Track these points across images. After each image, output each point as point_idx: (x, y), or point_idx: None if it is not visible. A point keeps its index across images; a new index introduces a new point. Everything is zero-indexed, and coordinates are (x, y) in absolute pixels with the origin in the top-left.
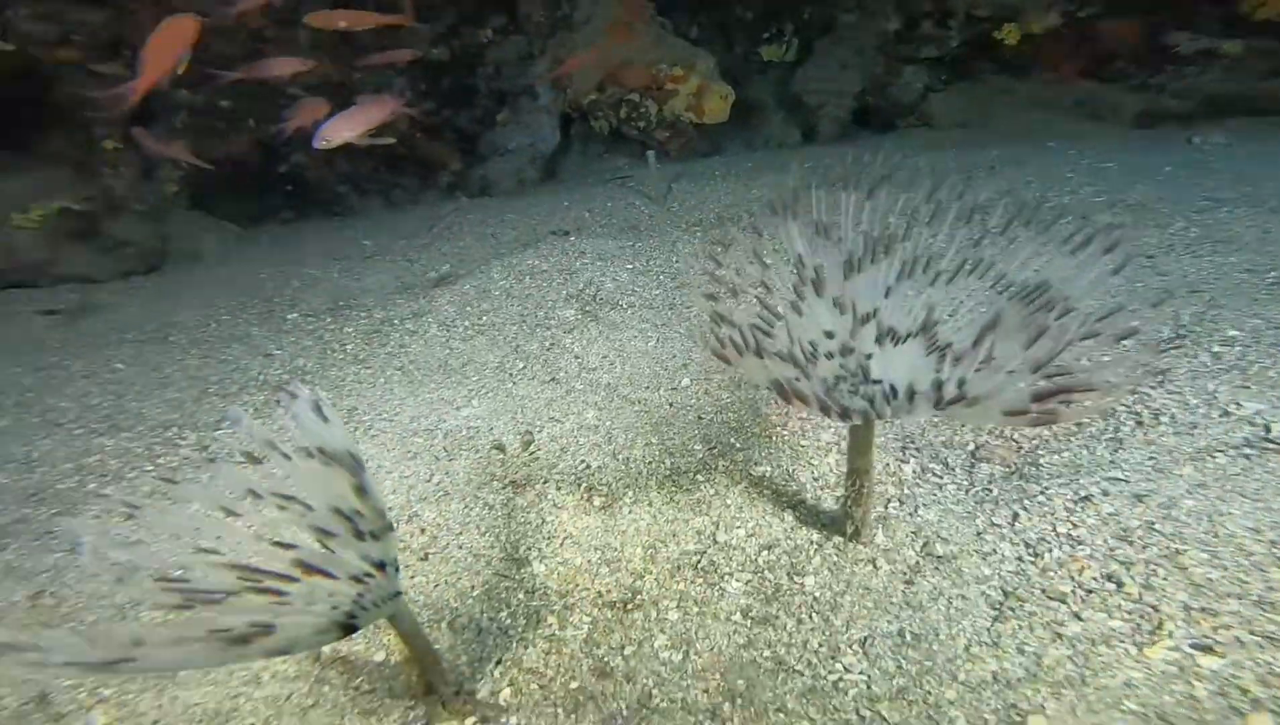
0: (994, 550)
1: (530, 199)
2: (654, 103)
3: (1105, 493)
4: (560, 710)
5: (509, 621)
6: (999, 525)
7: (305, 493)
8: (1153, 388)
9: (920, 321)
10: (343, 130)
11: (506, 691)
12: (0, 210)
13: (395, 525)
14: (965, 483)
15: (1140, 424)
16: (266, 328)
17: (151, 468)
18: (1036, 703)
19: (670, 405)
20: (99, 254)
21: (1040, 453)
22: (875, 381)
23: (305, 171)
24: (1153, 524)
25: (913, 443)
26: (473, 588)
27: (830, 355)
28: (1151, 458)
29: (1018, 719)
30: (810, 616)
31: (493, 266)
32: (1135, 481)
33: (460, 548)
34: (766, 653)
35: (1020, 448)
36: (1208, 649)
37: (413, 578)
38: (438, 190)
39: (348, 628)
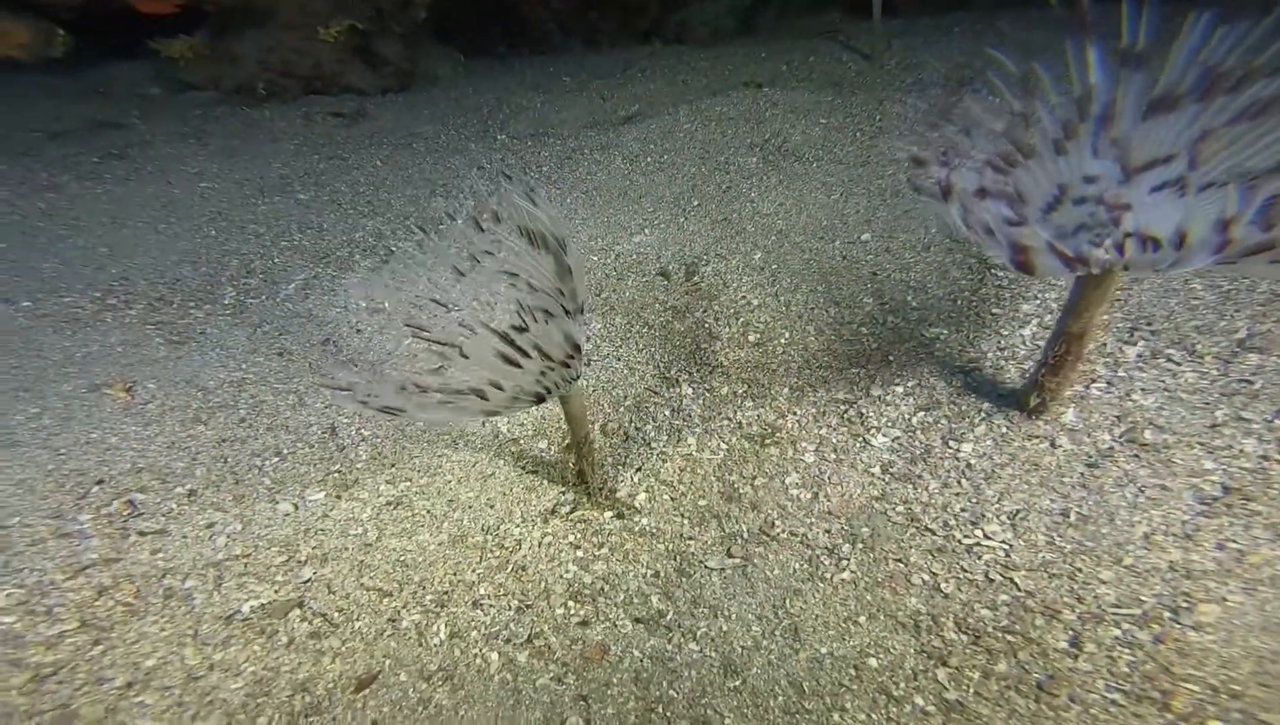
0: (1230, 446)
1: (724, 49)
2: None
3: None
4: (687, 522)
5: (653, 434)
6: (1248, 420)
7: (519, 270)
8: None
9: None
10: None
11: (642, 496)
12: (309, 26)
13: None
14: (1216, 372)
15: None
16: (481, 144)
17: (396, 247)
18: (1217, 594)
19: (844, 258)
20: (369, 70)
21: None
22: (1126, 232)
23: (520, 8)
24: None
25: (1149, 324)
26: (625, 397)
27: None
28: None
29: (1184, 606)
30: (959, 482)
31: (680, 109)
32: None
33: (619, 360)
34: (900, 508)
35: None
36: None
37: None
38: (635, 34)
39: (539, 398)
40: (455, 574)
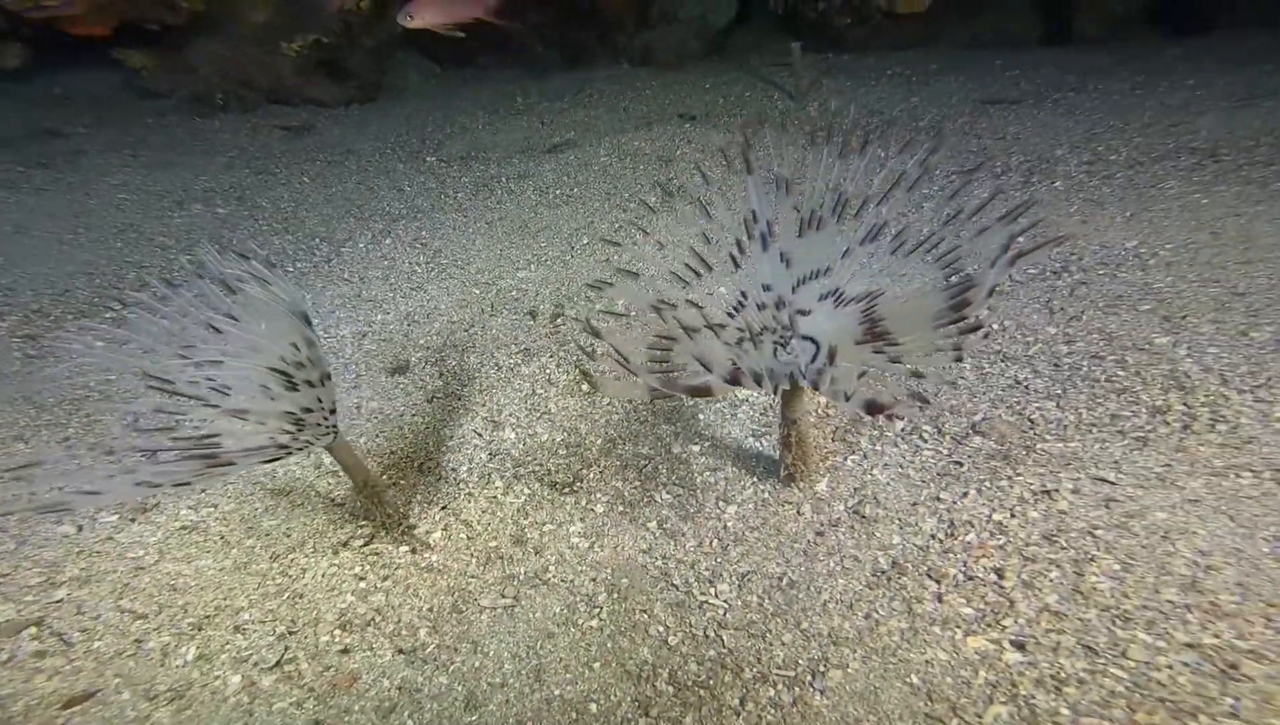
0: (916, 523)
1: (681, 75)
2: None
3: (1076, 491)
4: (474, 561)
5: (466, 475)
6: (941, 500)
7: (263, 342)
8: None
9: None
10: (429, 14)
11: (438, 534)
12: (272, 39)
13: (410, 366)
14: (945, 452)
15: (1187, 429)
16: (407, 166)
17: (292, 269)
18: (844, 661)
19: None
20: (333, 82)
21: (1047, 438)
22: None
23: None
24: (1095, 531)
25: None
26: (451, 437)
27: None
28: (1166, 465)
29: (822, 670)
30: (713, 541)
31: (603, 142)
32: (1123, 486)
33: (459, 399)
34: (659, 562)
35: (1029, 430)
36: (1020, 646)
37: (414, 417)
38: (612, 50)
39: (284, 451)
40: (225, 599)
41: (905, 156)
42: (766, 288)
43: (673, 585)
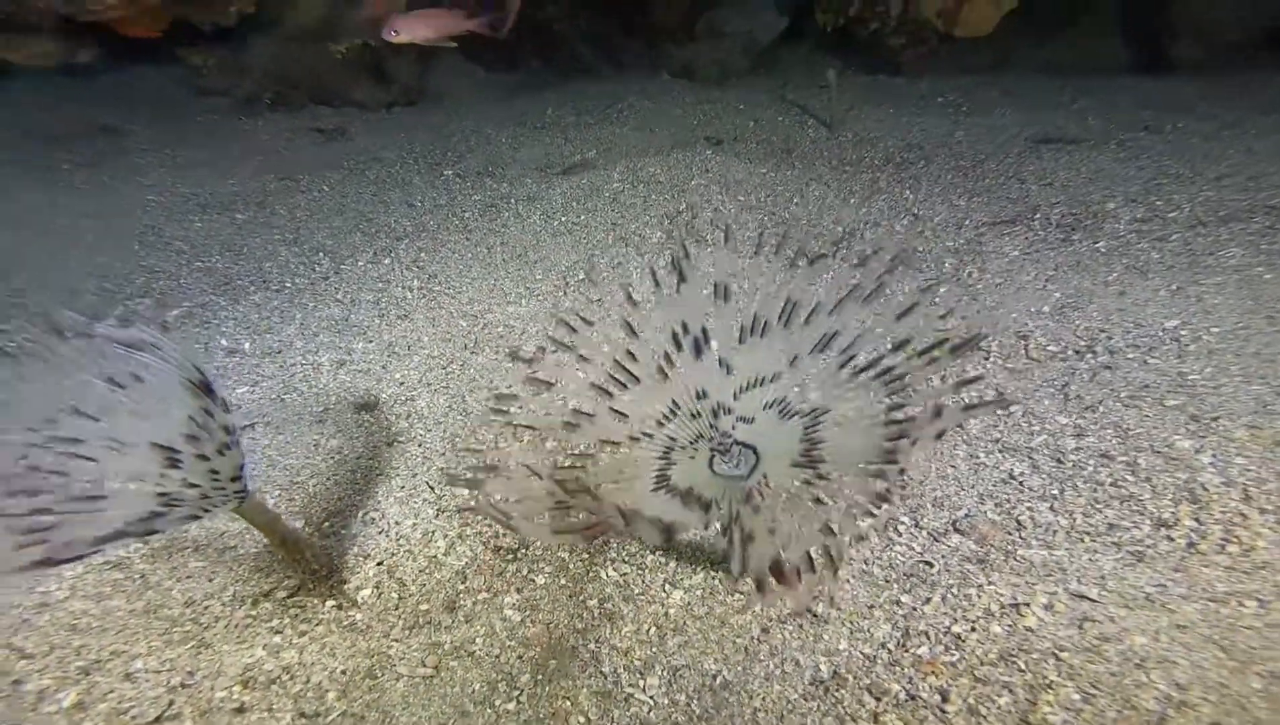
0: (868, 628)
1: (715, 92)
2: (899, 1)
3: (1049, 607)
4: (400, 624)
5: (409, 531)
6: (901, 605)
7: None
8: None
9: None
10: (412, 29)
11: (368, 591)
12: (321, 42)
13: (380, 403)
14: (919, 549)
15: (1192, 548)
16: (423, 179)
17: (290, 284)
18: None
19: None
20: (376, 85)
21: (1031, 544)
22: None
23: (552, 26)
24: (1060, 653)
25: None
26: (403, 488)
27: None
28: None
29: None
30: (651, 628)
31: (617, 166)
32: (1105, 604)
33: (420, 446)
34: (591, 646)
35: (1014, 533)
36: None
37: (370, 461)
38: (658, 57)
39: (192, 517)
40: (125, 644)
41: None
42: (702, 395)
43: (601, 673)
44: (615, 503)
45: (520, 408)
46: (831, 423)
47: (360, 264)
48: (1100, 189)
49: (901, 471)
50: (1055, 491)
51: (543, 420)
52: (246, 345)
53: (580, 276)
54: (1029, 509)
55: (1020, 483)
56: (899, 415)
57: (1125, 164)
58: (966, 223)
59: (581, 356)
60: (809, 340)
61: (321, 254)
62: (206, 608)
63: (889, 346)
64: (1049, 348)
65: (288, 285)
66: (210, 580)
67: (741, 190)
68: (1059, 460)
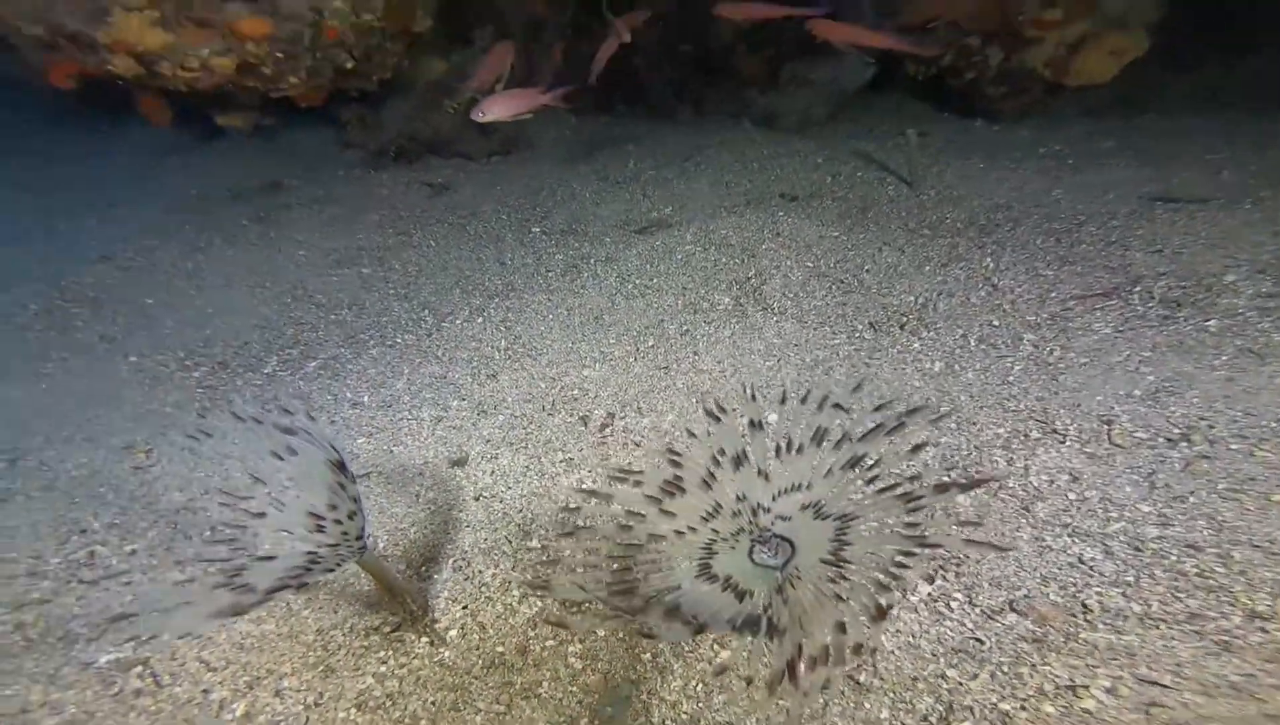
0: (910, 701)
1: (798, 143)
2: (999, 50)
3: (1112, 690)
4: (480, 663)
5: (490, 579)
6: (947, 679)
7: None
8: None
9: None
10: (497, 109)
11: (455, 632)
12: (439, 98)
13: (469, 459)
14: (970, 626)
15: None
16: (514, 236)
17: (399, 340)
18: None
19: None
20: (480, 136)
21: (1098, 628)
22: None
23: (638, 75)
24: None
25: (950, 566)
26: (486, 541)
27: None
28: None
29: None
30: (698, 685)
31: (690, 227)
32: (1181, 691)
33: (501, 503)
34: (643, 697)
35: (1078, 616)
36: None
37: (460, 513)
38: (741, 105)
39: (328, 570)
40: (275, 663)
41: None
42: (742, 498)
43: (650, 722)
44: (655, 606)
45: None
46: (858, 530)
47: (458, 322)
48: (1221, 257)
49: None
50: (1130, 578)
51: (601, 524)
52: (366, 398)
53: (650, 342)
54: (1097, 593)
55: (1090, 567)
56: (911, 533)
57: (1258, 228)
58: (1052, 295)
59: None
60: (840, 459)
61: (427, 311)
62: (332, 636)
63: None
64: (1136, 434)
65: (398, 341)
66: (335, 612)
67: (811, 255)
68: (1137, 548)
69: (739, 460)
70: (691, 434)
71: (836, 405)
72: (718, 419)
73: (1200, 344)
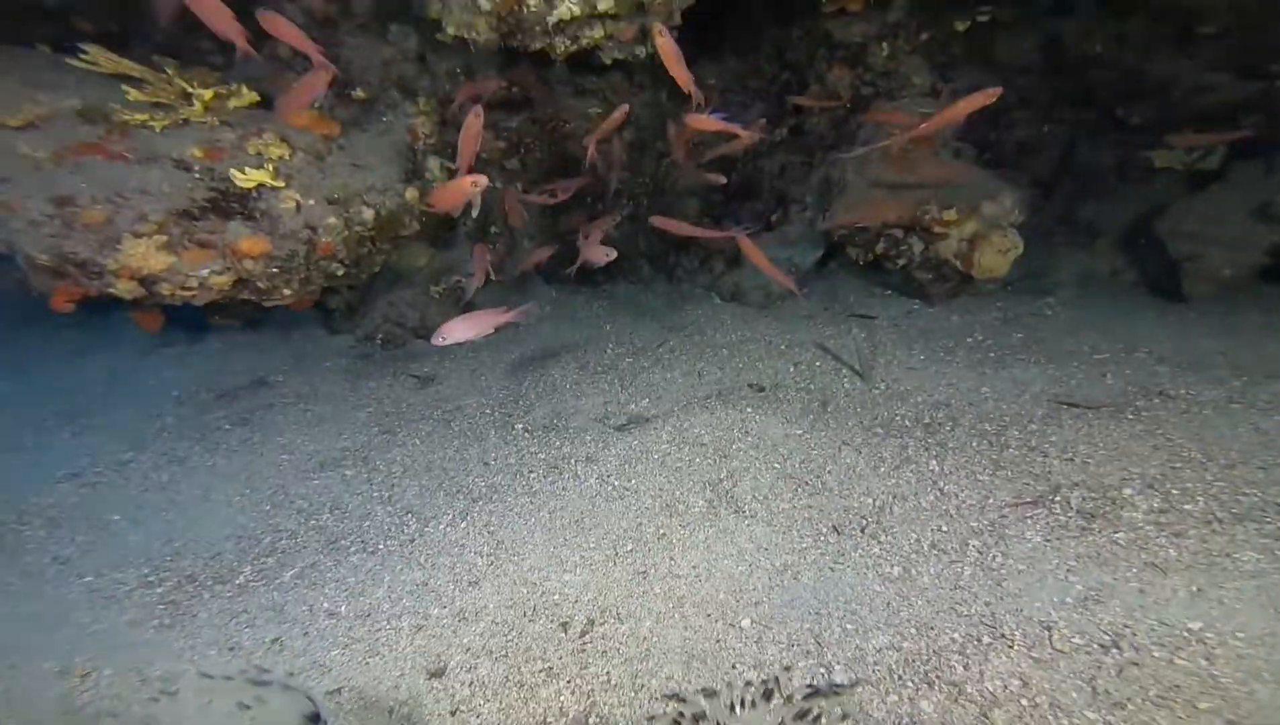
0: None
1: (760, 327)
2: (919, 241)
3: None
4: None
5: None
6: None
7: None
8: None
9: None
10: (457, 333)
11: None
12: (426, 284)
13: (447, 669)
14: None
15: None
16: (498, 434)
17: (381, 547)
18: None
19: (717, 642)
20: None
21: None
22: None
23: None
24: None
25: None
26: None
27: None
28: None
29: None
30: None
31: (667, 424)
32: None
33: (478, 717)
34: None
35: None
36: None
37: None
38: (711, 275)
39: None
40: None
41: None
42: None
43: None
44: None
45: None
46: None
47: (441, 527)
48: (1118, 469)
49: None
50: None
51: None
52: (343, 608)
53: (629, 547)
54: None
55: None
56: None
57: (1141, 440)
58: (990, 501)
59: None
60: (791, 712)
61: (410, 515)
62: None
63: None
64: (1074, 639)
65: (380, 547)
66: None
67: (778, 454)
68: None
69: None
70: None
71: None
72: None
73: (1114, 556)
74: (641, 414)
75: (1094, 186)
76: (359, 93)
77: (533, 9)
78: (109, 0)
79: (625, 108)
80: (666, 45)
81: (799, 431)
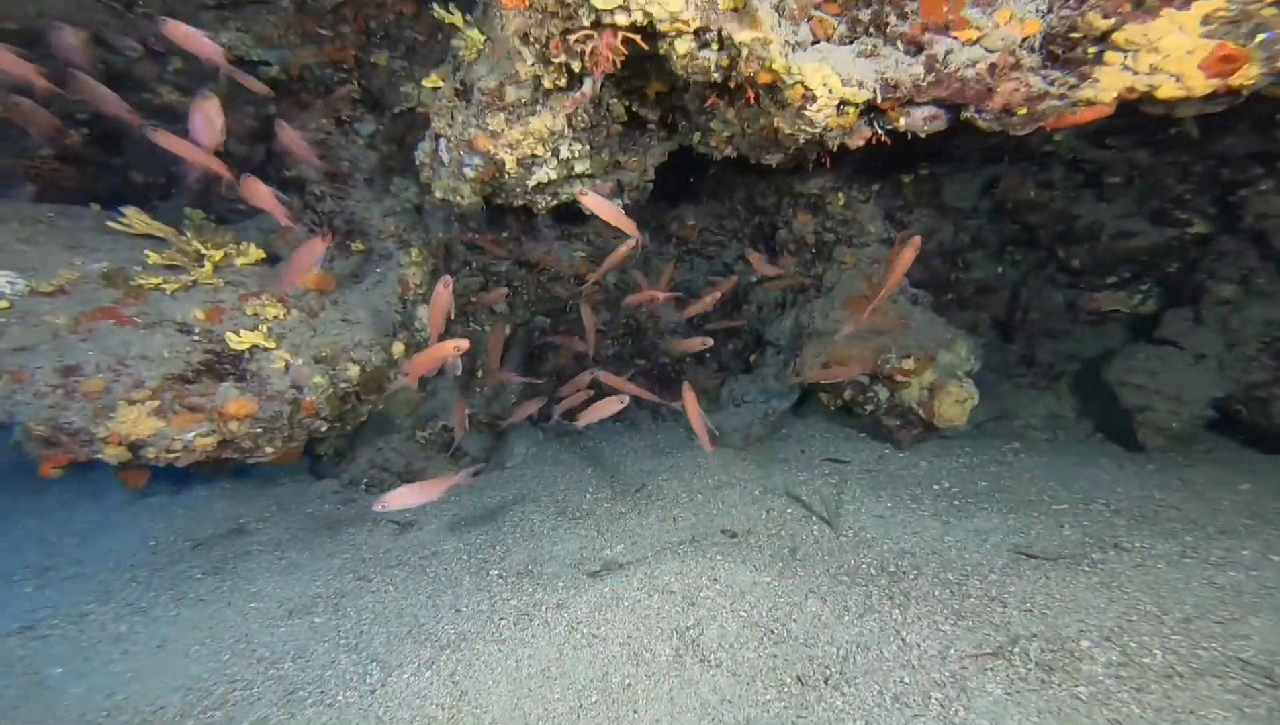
0: None
1: (736, 470)
2: (885, 388)
3: None
4: None
5: None
6: None
7: None
8: None
9: None
10: (400, 502)
11: None
12: (410, 430)
13: None
14: None
15: None
16: (473, 579)
17: (341, 698)
18: None
19: None
20: (450, 462)
21: None
22: None
23: (601, 388)
24: None
25: None
26: None
27: None
28: None
29: None
30: None
31: (638, 571)
32: None
33: None
34: None
35: None
36: None
37: None
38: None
39: None
40: None
41: None
42: None
43: None
44: None
45: None
46: None
47: (405, 677)
48: (1075, 621)
49: None
50: None
51: None
52: None
53: (594, 698)
54: None
55: None
56: None
57: (1097, 592)
58: (951, 652)
59: None
60: None
61: (375, 664)
62: None
63: None
64: None
65: (339, 699)
66: None
67: (745, 602)
68: None
69: None
70: None
71: None
72: None
73: (1075, 711)
74: (616, 559)
75: (1048, 327)
76: (358, 245)
77: (512, 175)
78: (154, 155)
79: (622, 249)
80: (593, 202)
81: (766, 579)
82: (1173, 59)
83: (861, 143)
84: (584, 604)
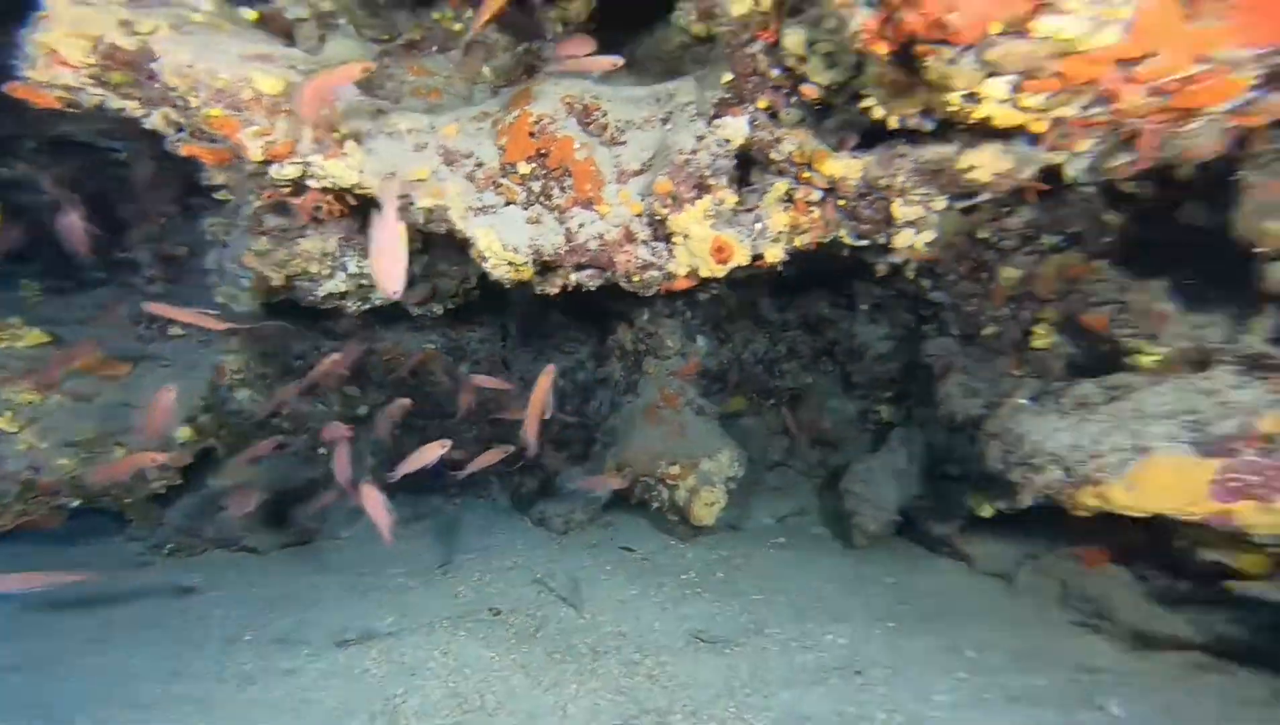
0: None
1: (539, 552)
2: (665, 488)
3: None
4: None
5: None
6: None
7: None
8: None
9: None
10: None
11: None
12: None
13: None
14: None
15: None
16: (218, 644)
17: None
18: None
19: None
20: (266, 531)
21: None
22: None
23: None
24: None
25: None
26: None
27: None
28: None
29: None
30: None
31: (385, 643)
32: None
33: None
34: None
35: None
36: None
37: None
38: (521, 498)
39: None
40: None
41: None
42: None
43: None
44: None
45: None
46: None
47: None
48: (686, 696)
49: None
50: None
51: None
52: None
53: None
54: None
55: None
56: None
57: (718, 671)
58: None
59: None
60: None
61: None
62: None
63: None
64: None
65: None
66: None
67: (461, 674)
68: None
69: None
70: None
71: None
72: None
73: None
74: (375, 631)
75: (838, 436)
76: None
77: (300, 287)
78: None
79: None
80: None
81: (492, 654)
82: (702, 243)
83: (556, 291)
84: (313, 671)
